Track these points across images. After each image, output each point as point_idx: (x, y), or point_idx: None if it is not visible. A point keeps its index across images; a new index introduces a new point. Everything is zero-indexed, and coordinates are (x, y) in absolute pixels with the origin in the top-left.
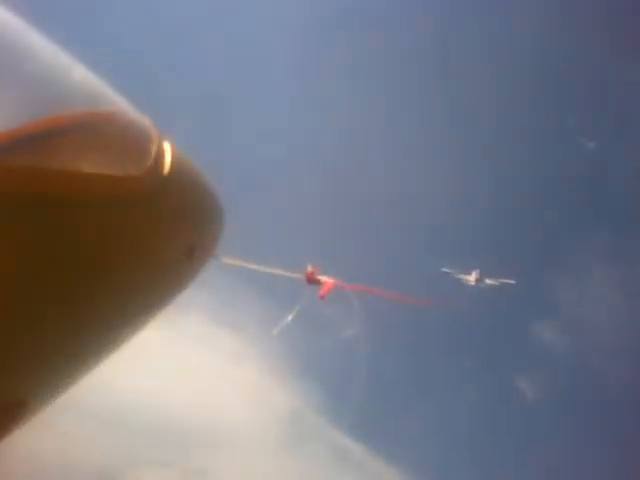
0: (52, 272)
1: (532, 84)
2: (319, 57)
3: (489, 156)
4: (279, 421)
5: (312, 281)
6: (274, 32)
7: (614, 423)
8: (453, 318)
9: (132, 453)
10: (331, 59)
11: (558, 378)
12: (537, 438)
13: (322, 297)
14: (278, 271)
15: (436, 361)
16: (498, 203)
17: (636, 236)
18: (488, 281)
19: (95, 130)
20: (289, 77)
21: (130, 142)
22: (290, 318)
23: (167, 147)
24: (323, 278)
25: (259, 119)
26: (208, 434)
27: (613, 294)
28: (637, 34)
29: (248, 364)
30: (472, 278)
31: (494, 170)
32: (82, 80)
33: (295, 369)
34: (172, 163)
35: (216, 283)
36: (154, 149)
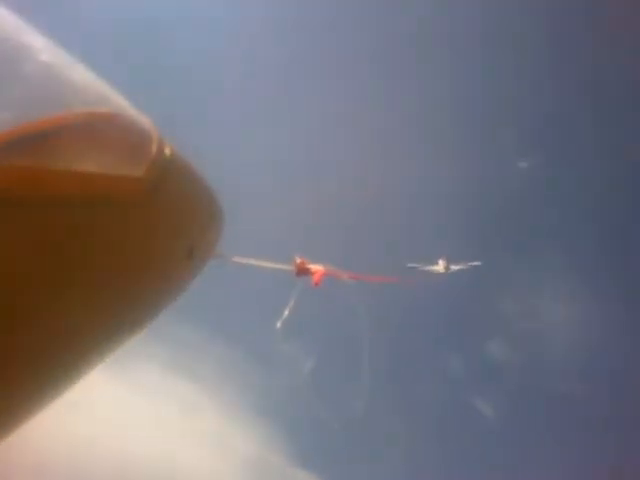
0: (50, 273)
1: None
2: (319, 57)
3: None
4: (243, 467)
5: (302, 272)
6: (274, 32)
7: (572, 440)
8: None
9: None
10: (331, 59)
11: (512, 395)
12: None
13: (317, 285)
14: (268, 264)
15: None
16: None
17: (585, 251)
18: (455, 267)
19: (95, 130)
20: (289, 77)
21: (130, 142)
22: (287, 312)
23: (167, 147)
24: (313, 267)
25: (259, 119)
26: None
27: (558, 310)
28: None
29: (206, 412)
30: (440, 267)
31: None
32: (82, 80)
33: (254, 412)
34: (172, 163)
35: (168, 330)
36: (154, 149)
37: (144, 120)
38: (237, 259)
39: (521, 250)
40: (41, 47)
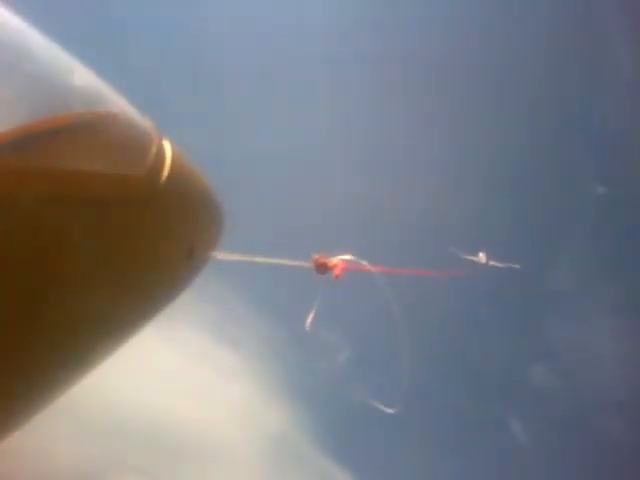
0: (50, 272)
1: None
2: (319, 56)
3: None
4: (264, 442)
5: (321, 267)
6: (274, 32)
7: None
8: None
9: (118, 459)
10: (331, 58)
11: (553, 423)
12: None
13: (337, 277)
14: (282, 261)
15: (432, 394)
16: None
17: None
18: (493, 263)
19: (95, 130)
20: (290, 76)
21: (130, 142)
22: (314, 312)
23: (167, 147)
24: (333, 260)
25: (259, 118)
26: (194, 449)
27: (613, 341)
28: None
29: (242, 384)
30: (482, 258)
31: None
32: (82, 80)
33: (287, 390)
34: (172, 163)
35: (218, 299)
36: (154, 149)
37: (144, 120)
38: (251, 257)
39: (586, 276)
40: (41, 47)
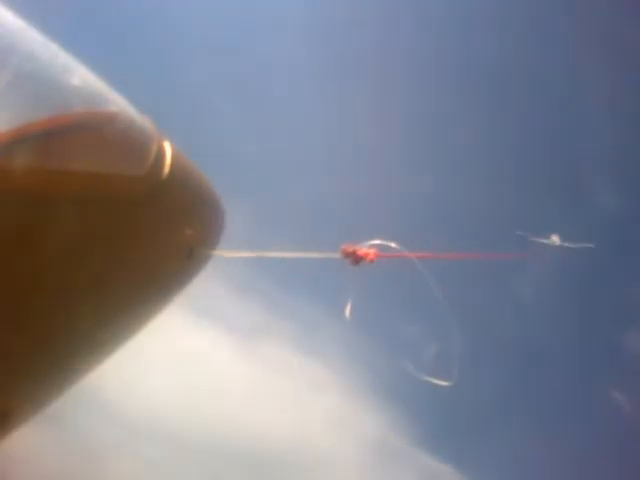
0: (50, 273)
1: None
2: (319, 55)
3: None
4: (364, 446)
5: (352, 257)
6: (275, 31)
7: None
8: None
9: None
10: (331, 58)
11: None
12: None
13: (372, 261)
14: (311, 254)
15: (522, 367)
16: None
17: None
18: (568, 244)
19: (95, 130)
20: (289, 76)
21: (130, 142)
22: (350, 301)
23: (167, 147)
24: (363, 249)
25: (259, 118)
26: (293, 459)
27: None
28: None
29: (332, 391)
30: (556, 240)
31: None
32: (82, 80)
33: (378, 393)
34: (172, 163)
35: (296, 312)
36: (154, 149)
37: (144, 120)
38: (280, 253)
39: None
40: (41, 47)
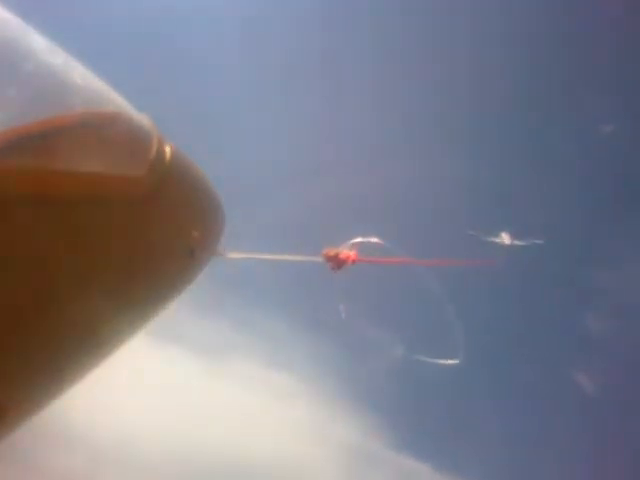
0: (50, 273)
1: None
2: (321, 56)
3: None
4: (340, 452)
5: (334, 260)
6: (275, 32)
7: None
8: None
9: None
10: (332, 58)
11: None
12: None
13: (354, 262)
14: (293, 257)
15: (493, 364)
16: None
17: None
18: (518, 242)
19: (95, 130)
20: (290, 76)
21: (130, 142)
22: (342, 304)
23: (167, 147)
24: (344, 252)
25: (260, 118)
26: (271, 470)
27: None
28: None
29: (302, 400)
30: (505, 239)
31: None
32: (82, 80)
33: (348, 398)
34: (172, 163)
35: (259, 325)
36: (154, 149)
37: (144, 120)
38: (262, 256)
39: (612, 218)
40: (41, 47)
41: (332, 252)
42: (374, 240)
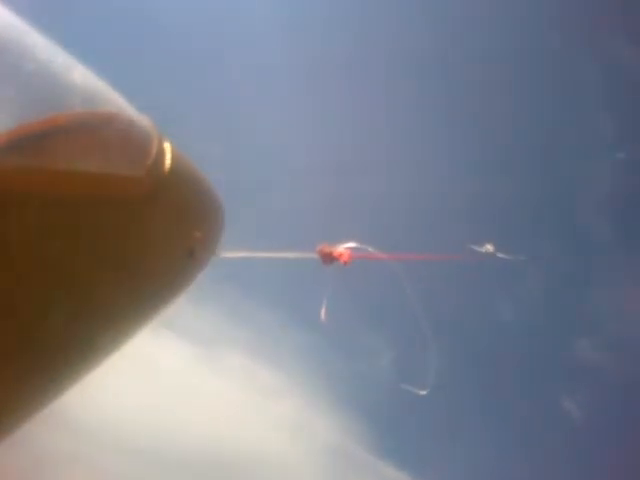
0: (49, 273)
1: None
2: (321, 56)
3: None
4: (320, 453)
5: (327, 257)
6: (275, 32)
7: None
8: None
9: None
10: (332, 58)
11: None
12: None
13: (346, 264)
14: (287, 254)
15: (477, 380)
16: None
17: None
18: (501, 255)
19: (95, 130)
20: (290, 76)
21: (130, 142)
22: (325, 304)
23: (167, 147)
24: (338, 249)
25: (260, 118)
26: (250, 466)
27: None
28: None
29: (286, 398)
30: (490, 249)
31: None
32: (82, 80)
33: (333, 399)
34: (172, 163)
35: (253, 318)
36: (154, 149)
37: (144, 120)
38: (256, 253)
39: (615, 245)
40: (41, 47)
41: (326, 249)
42: (368, 249)
